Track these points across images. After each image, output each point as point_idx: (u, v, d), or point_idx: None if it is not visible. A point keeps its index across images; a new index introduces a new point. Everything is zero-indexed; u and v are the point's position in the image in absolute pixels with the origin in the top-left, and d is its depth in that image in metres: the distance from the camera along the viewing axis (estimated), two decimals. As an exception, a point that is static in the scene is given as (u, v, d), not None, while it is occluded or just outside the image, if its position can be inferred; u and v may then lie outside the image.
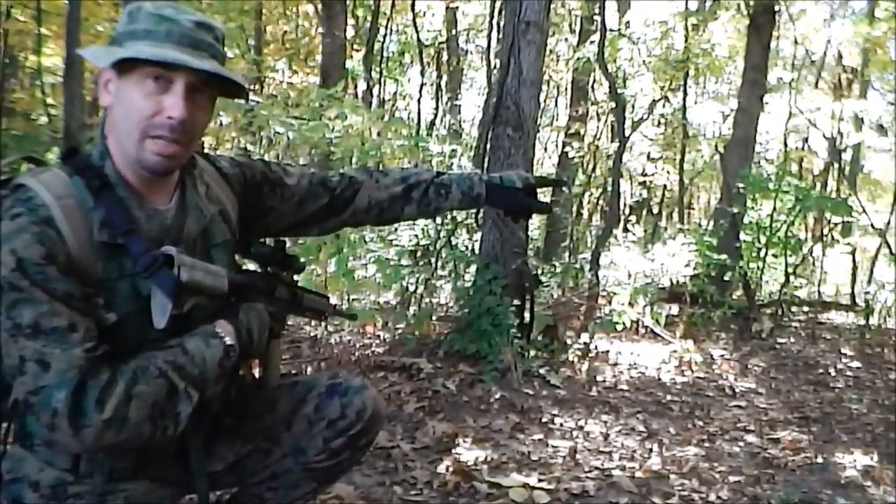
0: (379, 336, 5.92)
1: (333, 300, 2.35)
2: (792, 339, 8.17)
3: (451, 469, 3.67)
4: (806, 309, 9.96)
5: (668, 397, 5.51)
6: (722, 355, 7.03)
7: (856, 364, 7.17)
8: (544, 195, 2.19)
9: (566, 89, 17.27)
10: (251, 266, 2.07)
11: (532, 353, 5.68)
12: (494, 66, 11.90)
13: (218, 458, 2.03)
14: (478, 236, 6.78)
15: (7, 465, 1.80)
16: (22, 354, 1.55)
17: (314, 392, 2.09)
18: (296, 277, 2.11)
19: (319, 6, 12.92)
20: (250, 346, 1.85)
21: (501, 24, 11.84)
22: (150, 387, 1.61)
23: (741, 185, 8.80)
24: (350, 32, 13.48)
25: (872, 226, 10.76)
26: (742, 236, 8.92)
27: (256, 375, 2.06)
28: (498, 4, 12.23)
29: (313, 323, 5.85)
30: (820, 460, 4.30)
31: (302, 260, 2.11)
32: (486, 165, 5.96)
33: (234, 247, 1.98)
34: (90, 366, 1.57)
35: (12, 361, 1.57)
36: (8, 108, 14.16)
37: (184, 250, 1.71)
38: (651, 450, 4.32)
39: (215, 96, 1.80)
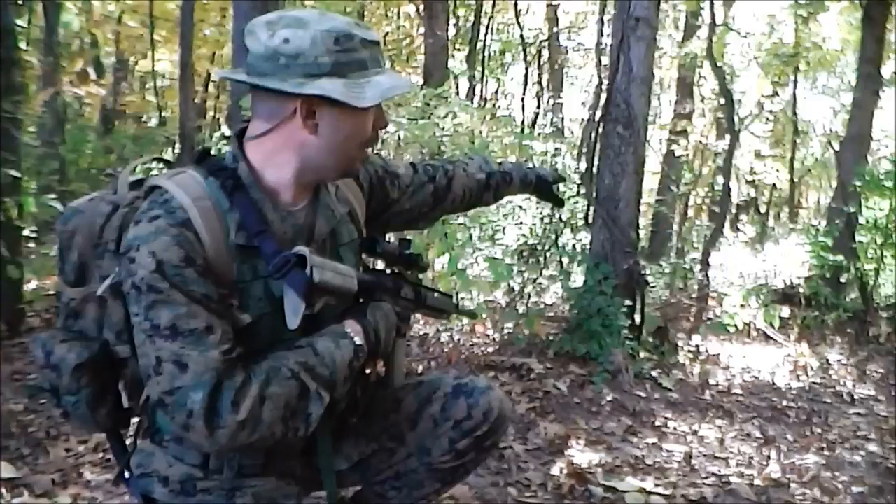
0: (488, 335, 5.89)
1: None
2: (911, 344, 7.87)
3: (564, 471, 3.64)
4: (925, 313, 9.58)
5: (784, 402, 5.35)
6: (838, 360, 6.79)
7: (980, 371, 6.86)
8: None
9: (670, 86, 17.04)
10: (376, 265, 2.07)
11: (643, 354, 5.60)
12: (602, 63, 11.79)
13: (343, 456, 2.05)
14: (581, 235, 6.71)
15: (137, 460, 1.85)
16: (159, 355, 1.57)
17: (440, 392, 2.08)
18: (419, 276, 2.11)
19: (421, 7, 12.96)
20: (378, 346, 1.83)
21: (606, 19, 11.77)
22: (282, 388, 1.62)
23: (857, 182, 8.51)
24: (451, 32, 13.48)
25: None
26: (858, 236, 8.63)
27: (382, 375, 2.05)
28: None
29: (422, 321, 5.85)
30: (946, 471, 4.13)
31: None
32: (595, 164, 5.90)
33: (360, 246, 1.98)
34: (226, 368, 1.58)
35: (148, 361, 1.59)
36: (119, 111, 14.57)
37: (315, 250, 1.71)
38: (769, 457, 4.20)
39: None
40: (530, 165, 2.65)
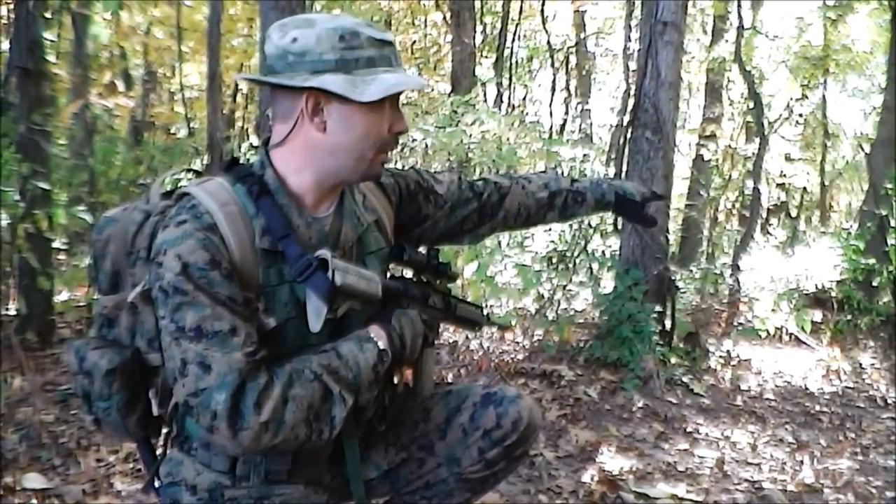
0: (518, 342, 5.87)
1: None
2: (946, 348, 7.77)
3: (595, 478, 3.62)
4: (959, 316, 9.44)
5: (817, 407, 5.31)
6: (872, 364, 6.73)
7: None
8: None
9: (698, 90, 16.93)
10: (405, 274, 2.06)
11: (673, 360, 5.57)
12: (629, 68, 11.75)
13: (372, 465, 2.04)
14: (611, 241, 6.68)
15: (166, 469, 1.85)
16: (184, 357, 1.58)
17: (469, 401, 2.07)
18: (448, 286, 2.10)
19: (448, 14, 12.96)
20: (403, 352, 1.83)
21: (633, 24, 11.72)
22: (305, 390, 1.62)
23: (888, 185, 8.43)
24: (478, 39, 13.46)
25: None
26: (890, 239, 8.54)
27: (411, 384, 2.04)
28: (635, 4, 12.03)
29: (452, 329, 5.84)
30: (982, 476, 4.07)
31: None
32: (624, 169, 5.87)
33: (388, 256, 1.98)
34: (249, 369, 1.58)
35: (174, 364, 1.60)
36: (148, 123, 14.67)
37: (339, 255, 1.72)
38: (802, 462, 4.17)
39: None
40: (613, 181, 2.49)
